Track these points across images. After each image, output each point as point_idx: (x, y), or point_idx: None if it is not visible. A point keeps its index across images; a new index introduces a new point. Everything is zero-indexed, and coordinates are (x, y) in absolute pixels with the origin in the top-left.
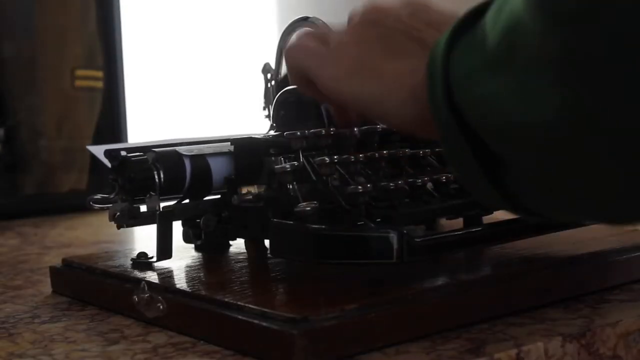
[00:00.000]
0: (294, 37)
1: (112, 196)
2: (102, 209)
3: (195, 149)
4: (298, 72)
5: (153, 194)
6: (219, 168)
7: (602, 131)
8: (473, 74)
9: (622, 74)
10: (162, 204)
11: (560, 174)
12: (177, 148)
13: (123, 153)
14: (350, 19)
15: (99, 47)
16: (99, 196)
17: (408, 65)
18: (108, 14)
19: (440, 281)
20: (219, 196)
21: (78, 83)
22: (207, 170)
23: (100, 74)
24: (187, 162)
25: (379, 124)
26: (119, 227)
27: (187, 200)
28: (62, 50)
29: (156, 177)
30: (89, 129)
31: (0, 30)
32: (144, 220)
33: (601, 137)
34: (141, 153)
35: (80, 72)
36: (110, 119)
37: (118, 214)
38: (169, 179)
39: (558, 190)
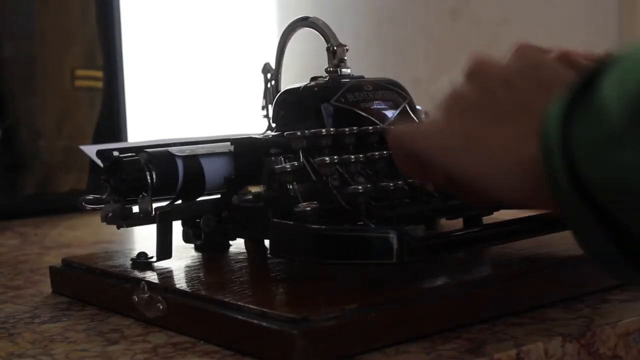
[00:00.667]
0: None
1: (104, 197)
2: (94, 210)
3: (187, 150)
4: (404, 153)
5: (145, 194)
6: (212, 168)
7: None
8: (600, 147)
9: None
10: (155, 205)
11: None
12: (169, 149)
13: (115, 153)
14: (453, 82)
15: (99, 47)
16: (91, 197)
17: (514, 133)
18: (108, 14)
19: (440, 281)
20: (218, 196)
21: (78, 83)
22: (199, 170)
23: (100, 74)
24: (179, 163)
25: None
26: (118, 227)
27: (179, 201)
28: (62, 50)
29: (148, 177)
30: (89, 129)
31: (0, 30)
32: (136, 221)
33: None
34: (133, 153)
35: (80, 72)
36: (110, 119)
37: (110, 214)
38: (161, 180)
39: None
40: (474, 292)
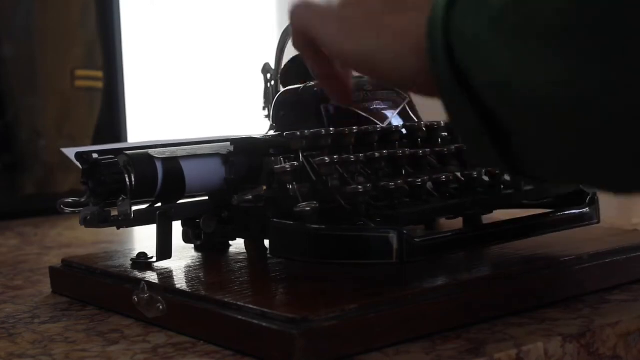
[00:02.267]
0: (296, 3)
1: (83, 199)
2: (73, 213)
3: (167, 152)
4: (301, 32)
5: (124, 197)
6: (193, 171)
7: (608, 104)
8: (477, 33)
9: (635, 50)
10: (134, 208)
11: (561, 141)
12: (149, 151)
13: (95, 156)
14: None
15: (99, 47)
16: (70, 200)
17: (409, 19)
18: (108, 14)
19: (440, 281)
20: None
21: (78, 83)
22: (179, 173)
23: (100, 74)
24: (159, 165)
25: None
26: (118, 228)
27: (159, 204)
28: (62, 50)
29: (127, 180)
30: (89, 129)
31: (0, 30)
32: (114, 223)
33: (605, 109)
34: (113, 156)
35: (80, 72)
36: (110, 119)
37: (88, 217)
38: (140, 182)
39: (558, 157)
40: (474, 292)
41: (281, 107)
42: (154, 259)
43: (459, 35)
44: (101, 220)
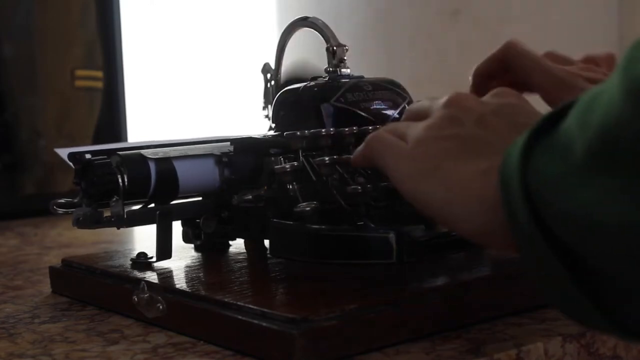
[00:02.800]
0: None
1: (76, 200)
2: (66, 214)
3: (160, 152)
4: (371, 162)
5: (117, 198)
6: (186, 171)
7: None
8: (561, 181)
9: None
10: (127, 209)
11: None
12: (142, 151)
13: (88, 156)
14: (431, 107)
15: (99, 47)
16: (62, 200)
17: (479, 169)
18: (108, 14)
19: (440, 281)
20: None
21: (78, 83)
22: (173, 173)
23: (100, 74)
24: (152, 166)
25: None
26: (118, 228)
27: (152, 205)
28: (62, 50)
29: (120, 180)
30: (89, 129)
31: (0, 30)
32: (107, 224)
33: None
34: (105, 156)
35: (80, 72)
36: (110, 119)
37: (80, 218)
38: (132, 183)
39: None
40: (474, 292)
41: (281, 107)
42: (154, 259)
43: (539, 187)
44: (94, 221)
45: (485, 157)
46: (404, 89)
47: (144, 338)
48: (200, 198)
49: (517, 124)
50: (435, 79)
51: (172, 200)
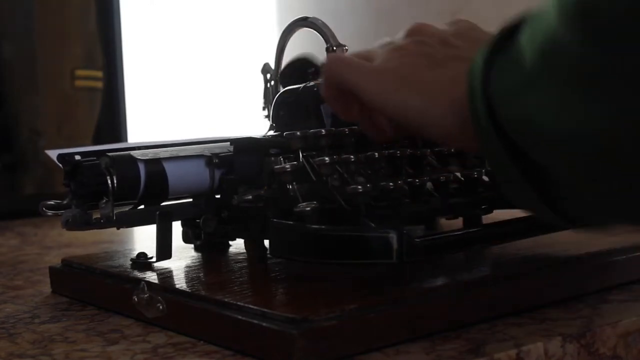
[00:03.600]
0: (331, 54)
1: (65, 202)
2: (56, 215)
3: (150, 153)
4: (336, 84)
5: (107, 199)
6: (176, 173)
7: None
8: (513, 91)
9: None
10: (116, 210)
11: (605, 182)
12: (131, 152)
13: (77, 157)
14: (394, 39)
15: (99, 47)
16: (52, 202)
17: (447, 74)
18: (108, 14)
19: (440, 281)
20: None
21: (78, 83)
22: (162, 175)
23: (100, 74)
24: (141, 167)
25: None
26: (118, 228)
27: (142, 207)
28: (62, 50)
29: (109, 182)
30: (89, 129)
31: (0, 30)
32: (97, 226)
33: (636, 149)
34: (95, 157)
35: (80, 72)
36: (110, 119)
37: (69, 220)
38: (122, 184)
39: (605, 199)
40: (474, 292)
41: (281, 107)
42: (154, 259)
43: (497, 91)
44: (83, 223)
45: (452, 67)
46: None
47: (144, 338)
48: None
49: (479, 41)
50: None
51: (162, 202)
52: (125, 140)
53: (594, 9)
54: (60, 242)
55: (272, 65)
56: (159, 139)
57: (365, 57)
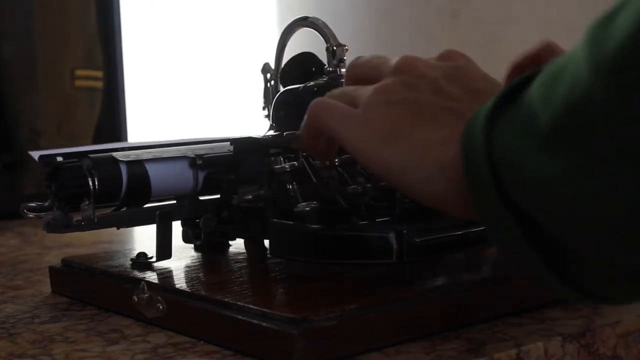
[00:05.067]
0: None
1: (46, 204)
2: (38, 217)
3: (132, 155)
4: (317, 129)
5: (88, 201)
6: (159, 174)
7: None
8: (524, 153)
9: None
10: (98, 213)
11: (624, 254)
12: (113, 154)
13: (59, 159)
14: (381, 71)
15: (99, 47)
16: (33, 204)
17: (438, 135)
18: (108, 14)
19: (440, 281)
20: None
21: (78, 83)
22: (145, 176)
23: (100, 74)
24: (123, 169)
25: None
26: (118, 228)
27: (124, 209)
28: (62, 50)
29: (90, 184)
30: (89, 129)
31: (0, 30)
32: (77, 228)
33: None
34: (76, 159)
35: (80, 72)
36: (110, 119)
37: (50, 222)
38: (103, 186)
39: (630, 274)
40: (474, 292)
41: (281, 107)
42: (154, 259)
43: (503, 159)
44: (63, 225)
45: (444, 124)
46: None
47: (144, 338)
48: (206, 197)
49: (472, 90)
50: None
51: (144, 204)
52: (126, 140)
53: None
54: (60, 242)
55: (272, 65)
56: (159, 139)
57: (350, 99)
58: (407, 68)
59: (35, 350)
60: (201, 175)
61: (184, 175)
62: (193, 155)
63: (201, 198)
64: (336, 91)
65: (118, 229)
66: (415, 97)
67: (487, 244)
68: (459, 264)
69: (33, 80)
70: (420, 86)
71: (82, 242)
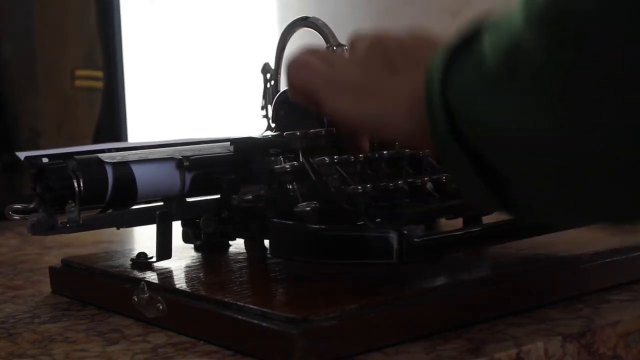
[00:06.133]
0: (295, 52)
1: (32, 206)
2: (24, 219)
3: (118, 156)
4: (300, 89)
5: (73, 203)
6: (145, 176)
7: (591, 151)
8: (472, 92)
9: (614, 102)
10: (83, 215)
11: (559, 184)
12: (99, 155)
13: (45, 160)
14: (353, 42)
15: (99, 47)
16: (19, 205)
17: (406, 80)
18: (108, 14)
19: (440, 281)
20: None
21: (78, 83)
22: (131, 178)
23: (100, 74)
24: (109, 170)
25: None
26: (118, 228)
27: (110, 211)
28: (62, 50)
29: (75, 185)
30: (89, 129)
31: (0, 30)
32: (62, 230)
33: (589, 154)
34: (61, 160)
35: (80, 72)
36: (110, 119)
37: (34, 224)
38: (89, 188)
39: (553, 198)
40: (474, 292)
41: (281, 107)
42: (154, 259)
43: (456, 94)
44: (48, 228)
45: (412, 75)
46: None
47: (144, 338)
48: (206, 197)
49: (435, 44)
50: None
51: (130, 206)
52: (126, 140)
53: (563, 13)
54: (60, 242)
55: (272, 65)
56: (159, 139)
57: (327, 59)
58: (379, 37)
59: (35, 350)
60: (188, 177)
61: (171, 177)
62: (180, 157)
63: (202, 198)
64: (310, 48)
65: (118, 228)
66: (383, 51)
67: (487, 244)
68: (459, 264)
69: (33, 80)
70: (388, 44)
71: (82, 242)
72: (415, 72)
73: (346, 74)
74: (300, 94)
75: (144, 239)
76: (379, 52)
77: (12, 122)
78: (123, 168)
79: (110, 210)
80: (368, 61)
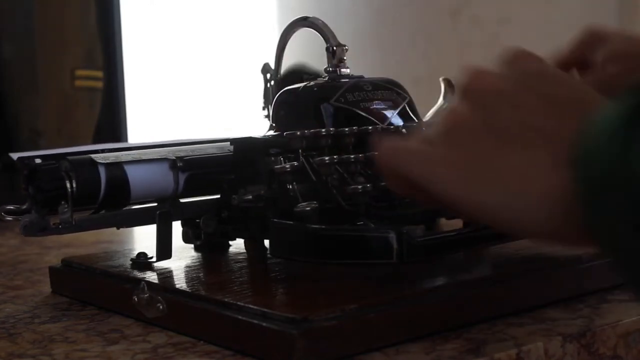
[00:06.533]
0: (382, 139)
1: (24, 207)
2: (16, 220)
3: (111, 157)
4: (398, 176)
5: (66, 204)
6: (139, 177)
7: None
8: None
9: None
10: (76, 215)
11: None
12: (92, 156)
13: (38, 161)
14: (449, 98)
15: (99, 47)
16: (11, 206)
17: (529, 159)
18: (108, 13)
19: (440, 281)
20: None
21: (78, 83)
22: (124, 179)
23: (100, 74)
24: (102, 171)
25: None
26: (118, 228)
27: (103, 211)
28: (62, 50)
29: (68, 186)
30: (89, 129)
31: (0, 30)
32: (55, 232)
33: None
34: (54, 161)
35: (80, 72)
36: (110, 119)
37: (27, 225)
38: (81, 189)
39: None
40: (474, 292)
41: (281, 107)
42: (154, 259)
43: None
44: (40, 229)
45: (533, 145)
46: (403, 89)
47: (144, 338)
48: (206, 197)
49: (551, 97)
50: (435, 79)
51: (123, 207)
52: (126, 140)
53: None
54: (60, 242)
55: (272, 65)
56: (159, 139)
57: (422, 138)
58: (474, 85)
59: (35, 350)
60: (182, 178)
61: (164, 178)
62: (173, 157)
63: (202, 198)
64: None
65: (118, 229)
66: (492, 121)
67: (487, 244)
68: (459, 264)
69: (33, 80)
70: (494, 106)
71: (82, 242)
72: (537, 146)
73: (451, 149)
74: (399, 183)
75: (144, 239)
76: (481, 111)
77: (12, 122)
78: (116, 169)
79: (103, 211)
80: (474, 130)
